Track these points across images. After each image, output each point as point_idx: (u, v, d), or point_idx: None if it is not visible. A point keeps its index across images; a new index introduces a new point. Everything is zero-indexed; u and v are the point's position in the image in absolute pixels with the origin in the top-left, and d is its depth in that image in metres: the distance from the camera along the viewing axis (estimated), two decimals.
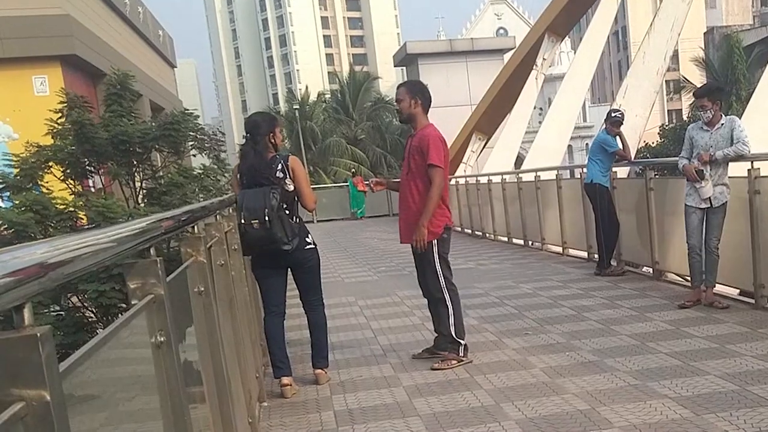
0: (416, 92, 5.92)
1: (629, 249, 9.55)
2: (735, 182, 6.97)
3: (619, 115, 9.43)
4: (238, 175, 5.51)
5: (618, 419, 4.29)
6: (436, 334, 6.14)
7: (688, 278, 7.91)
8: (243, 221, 5.18)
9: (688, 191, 6.95)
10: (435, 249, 5.84)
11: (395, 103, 6.05)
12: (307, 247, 5.52)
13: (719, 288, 7.33)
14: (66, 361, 1.37)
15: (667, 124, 54.33)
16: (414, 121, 5.93)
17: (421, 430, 4.48)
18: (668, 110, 66.57)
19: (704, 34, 58.72)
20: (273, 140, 5.50)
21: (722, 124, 6.81)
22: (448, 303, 5.91)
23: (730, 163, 6.90)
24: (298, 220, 5.48)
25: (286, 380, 5.47)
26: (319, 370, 5.72)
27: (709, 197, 6.76)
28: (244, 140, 5.58)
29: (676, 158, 7.23)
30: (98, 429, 1.72)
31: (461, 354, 5.90)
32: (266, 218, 5.13)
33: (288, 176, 5.40)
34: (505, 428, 4.35)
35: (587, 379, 5.15)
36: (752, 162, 6.73)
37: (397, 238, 6.14)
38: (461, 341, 5.91)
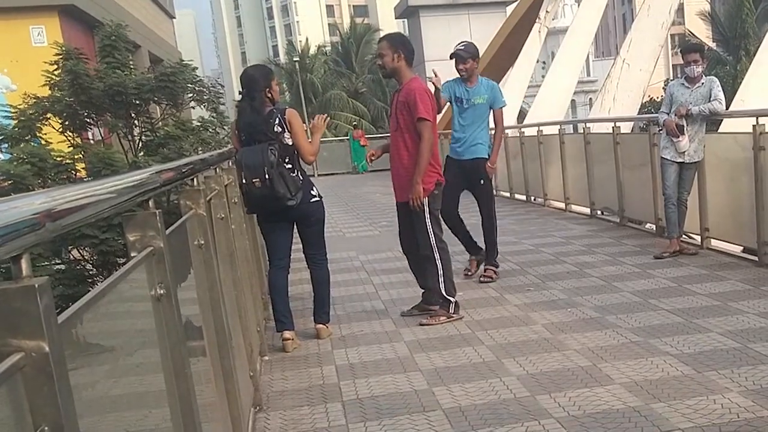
0: (398, 45, 5.74)
1: (632, 205, 9.50)
2: (740, 138, 7.13)
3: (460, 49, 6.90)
4: (237, 131, 5.44)
5: (619, 376, 4.29)
6: (422, 290, 6.13)
7: (691, 235, 7.93)
8: (244, 181, 5.12)
9: (665, 144, 7.24)
10: (426, 205, 5.76)
11: (377, 58, 5.88)
12: (313, 200, 5.46)
13: (723, 245, 7.54)
14: (65, 313, 1.37)
15: (671, 78, 53.85)
16: (398, 76, 5.79)
17: (422, 384, 4.48)
18: (673, 65, 65.64)
19: None
20: (270, 94, 5.41)
21: (702, 84, 7.07)
22: (438, 261, 5.83)
23: (735, 120, 6.93)
24: (301, 173, 5.42)
25: (288, 334, 5.46)
26: (321, 325, 5.70)
27: (685, 152, 7.08)
28: (240, 96, 5.48)
29: (650, 116, 7.40)
30: (99, 381, 1.72)
31: (451, 311, 5.86)
32: (266, 176, 5.07)
33: (286, 130, 5.32)
34: (507, 384, 4.34)
35: (589, 335, 5.14)
36: (757, 118, 6.67)
37: None
38: (451, 298, 5.87)
